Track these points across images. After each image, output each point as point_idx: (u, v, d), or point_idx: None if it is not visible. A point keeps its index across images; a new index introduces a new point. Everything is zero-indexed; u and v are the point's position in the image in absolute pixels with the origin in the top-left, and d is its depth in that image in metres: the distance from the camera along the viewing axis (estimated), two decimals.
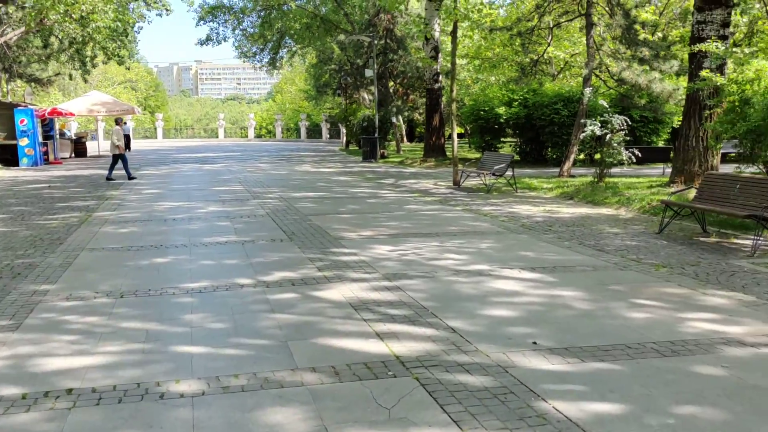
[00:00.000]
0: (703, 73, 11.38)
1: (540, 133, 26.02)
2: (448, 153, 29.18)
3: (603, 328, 5.48)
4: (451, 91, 18.54)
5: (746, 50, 11.55)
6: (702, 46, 11.91)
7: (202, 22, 42.16)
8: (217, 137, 64.00)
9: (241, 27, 43.63)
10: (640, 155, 15.86)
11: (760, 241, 8.58)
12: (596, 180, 16.32)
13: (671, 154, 21.01)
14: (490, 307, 6.13)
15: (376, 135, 31.21)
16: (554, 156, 25.79)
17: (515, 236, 10.07)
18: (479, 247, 9.11)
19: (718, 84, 11.42)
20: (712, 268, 7.72)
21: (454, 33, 18.89)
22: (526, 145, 27.79)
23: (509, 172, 16.77)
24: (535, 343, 5.09)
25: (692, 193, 10.96)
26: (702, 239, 9.67)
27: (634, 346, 5.01)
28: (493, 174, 16.57)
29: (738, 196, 9.21)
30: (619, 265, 7.89)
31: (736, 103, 10.64)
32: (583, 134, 16.17)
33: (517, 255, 8.54)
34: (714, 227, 10.64)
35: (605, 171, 16.27)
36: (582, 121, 17.04)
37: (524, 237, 10.01)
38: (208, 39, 42.99)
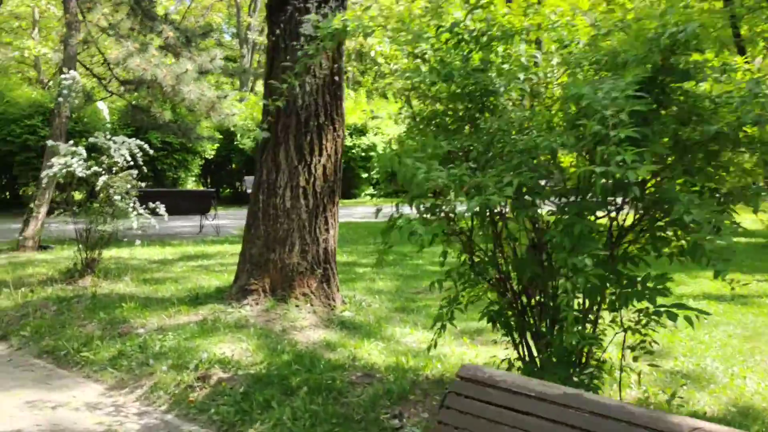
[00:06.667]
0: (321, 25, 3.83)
1: (12, 162, 16.57)
2: None
3: None
4: None
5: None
6: None
7: None
8: None
9: None
10: (165, 215, 7.95)
11: None
12: (82, 267, 7.91)
13: (213, 201, 13.81)
14: None
15: None
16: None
17: None
18: None
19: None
20: None
21: None
22: None
23: None
24: None
25: None
26: None
27: None
28: None
29: None
30: None
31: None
32: (49, 172, 7.64)
33: None
34: None
35: (101, 246, 8.00)
36: (50, 143, 8.34)
37: None
38: None
